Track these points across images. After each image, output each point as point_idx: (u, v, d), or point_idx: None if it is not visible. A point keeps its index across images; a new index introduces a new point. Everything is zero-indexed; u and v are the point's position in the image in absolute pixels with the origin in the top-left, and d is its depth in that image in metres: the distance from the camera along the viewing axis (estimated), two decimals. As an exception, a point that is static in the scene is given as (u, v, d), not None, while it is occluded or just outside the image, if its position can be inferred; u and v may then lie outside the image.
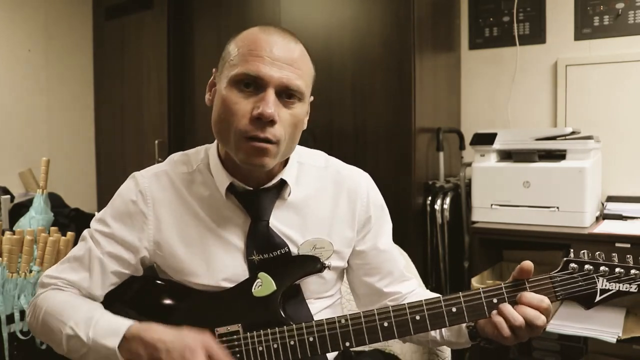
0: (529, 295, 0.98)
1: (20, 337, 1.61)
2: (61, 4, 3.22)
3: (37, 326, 1.09)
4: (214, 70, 1.10)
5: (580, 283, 0.99)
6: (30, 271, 1.63)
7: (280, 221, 1.11)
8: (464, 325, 1.08)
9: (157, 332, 0.97)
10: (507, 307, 0.97)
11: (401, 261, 1.25)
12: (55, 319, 1.04)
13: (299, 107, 1.04)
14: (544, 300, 0.97)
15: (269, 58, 0.99)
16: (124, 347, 0.98)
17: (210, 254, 1.10)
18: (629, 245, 1.93)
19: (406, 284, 1.23)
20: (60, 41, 3.22)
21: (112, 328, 1.00)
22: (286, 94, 1.01)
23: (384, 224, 1.22)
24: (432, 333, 1.14)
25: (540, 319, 0.96)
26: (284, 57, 1.00)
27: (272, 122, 0.99)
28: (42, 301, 1.09)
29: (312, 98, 1.11)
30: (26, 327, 1.63)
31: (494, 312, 0.99)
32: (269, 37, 1.01)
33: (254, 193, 1.09)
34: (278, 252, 1.08)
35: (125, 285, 1.13)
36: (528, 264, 1.00)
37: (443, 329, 1.12)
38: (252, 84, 1.00)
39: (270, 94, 0.99)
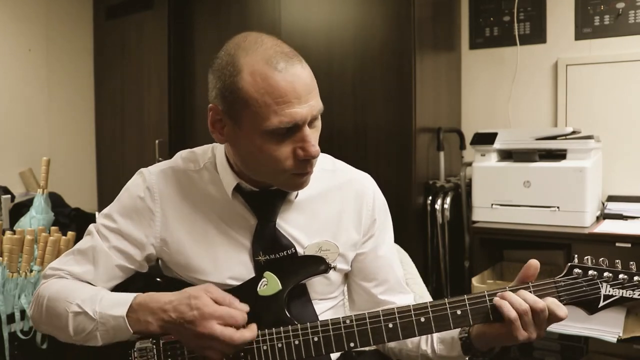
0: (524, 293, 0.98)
1: (21, 336, 1.61)
2: (62, 4, 3.22)
3: (40, 315, 1.09)
4: (214, 107, 1.03)
5: (584, 288, 0.99)
6: (31, 271, 1.64)
7: (287, 222, 1.11)
8: (456, 336, 1.07)
9: (162, 297, 0.99)
10: (509, 293, 0.97)
11: (399, 271, 1.24)
12: (60, 302, 1.05)
13: (319, 119, 1.04)
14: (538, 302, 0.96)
15: (296, 99, 0.96)
16: (132, 318, 0.99)
17: (217, 251, 1.10)
18: (629, 245, 1.93)
19: (402, 297, 1.22)
20: (61, 41, 3.22)
21: (118, 300, 1.02)
22: (313, 118, 1.01)
23: (386, 230, 1.22)
24: (424, 346, 1.12)
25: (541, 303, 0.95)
26: (306, 90, 0.97)
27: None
28: (45, 290, 1.09)
29: None
30: (27, 327, 1.63)
31: (497, 297, 0.97)
32: (286, 75, 0.95)
33: (261, 194, 1.09)
34: (284, 252, 1.09)
35: (130, 282, 1.13)
36: (535, 262, 1.00)
37: (435, 343, 1.11)
38: (286, 129, 0.98)
39: (307, 132, 0.98)
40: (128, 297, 1.01)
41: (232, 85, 0.97)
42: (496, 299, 0.97)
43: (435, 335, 1.11)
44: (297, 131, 0.98)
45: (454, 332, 1.07)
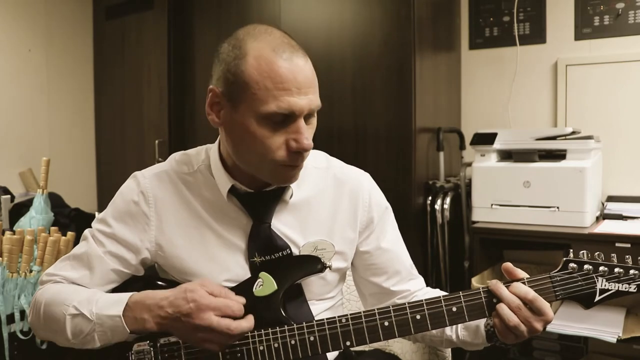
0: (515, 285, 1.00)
1: (21, 337, 1.61)
2: (62, 4, 3.22)
3: (38, 321, 1.09)
4: (214, 89, 1.03)
5: (579, 283, 0.99)
6: (31, 271, 1.64)
7: (282, 223, 1.11)
8: (482, 325, 1.08)
9: (157, 294, 1.00)
10: (503, 308, 0.98)
11: (408, 259, 1.24)
12: (58, 305, 1.05)
13: (315, 117, 1.04)
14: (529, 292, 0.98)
15: (296, 89, 0.97)
16: (129, 317, 0.99)
17: (212, 254, 1.10)
18: (629, 245, 1.93)
19: (414, 282, 1.23)
20: (61, 41, 3.22)
21: (114, 300, 1.02)
22: (309, 113, 1.01)
23: (387, 224, 1.22)
24: (448, 332, 1.14)
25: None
26: (307, 83, 0.98)
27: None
28: (41, 295, 1.09)
29: None
30: (26, 327, 1.63)
31: (493, 313, 0.99)
32: (289, 64, 0.97)
33: (256, 195, 1.09)
34: (280, 254, 1.09)
35: (127, 285, 1.13)
36: (506, 264, 1.03)
37: (460, 329, 1.13)
38: (282, 117, 0.98)
39: (302, 124, 0.99)
40: (124, 297, 1.01)
41: (235, 68, 0.98)
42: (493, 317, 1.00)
43: None
44: (293, 122, 0.98)
45: (479, 321, 1.08)
